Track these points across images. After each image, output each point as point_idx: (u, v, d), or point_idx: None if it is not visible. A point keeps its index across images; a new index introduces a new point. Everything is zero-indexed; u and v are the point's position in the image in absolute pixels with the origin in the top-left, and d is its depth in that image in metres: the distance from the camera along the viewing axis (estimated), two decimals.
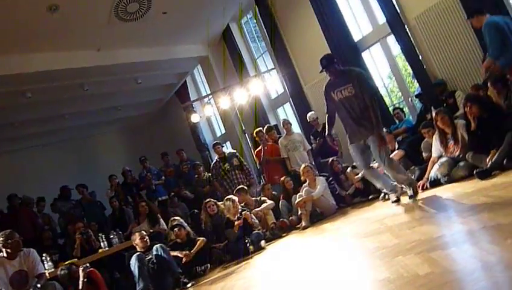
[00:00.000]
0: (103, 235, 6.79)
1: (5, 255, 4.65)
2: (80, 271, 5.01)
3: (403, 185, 4.93)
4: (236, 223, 6.17)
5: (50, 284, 4.84)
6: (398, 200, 4.93)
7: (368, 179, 5.47)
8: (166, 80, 12.45)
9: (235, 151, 8.75)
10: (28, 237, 7.13)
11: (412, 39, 6.85)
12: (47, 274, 5.25)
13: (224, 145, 10.46)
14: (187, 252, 5.95)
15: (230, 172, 8.06)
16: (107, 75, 10.26)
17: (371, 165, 5.21)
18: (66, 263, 5.31)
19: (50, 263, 5.96)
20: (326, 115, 5.15)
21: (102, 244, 6.68)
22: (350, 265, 3.17)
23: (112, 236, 6.82)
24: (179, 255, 5.88)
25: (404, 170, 5.17)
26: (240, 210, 6.40)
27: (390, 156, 5.95)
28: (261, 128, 8.35)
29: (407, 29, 6.87)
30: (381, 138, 4.71)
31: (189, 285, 5.26)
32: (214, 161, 8.54)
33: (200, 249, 6.09)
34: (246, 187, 7.35)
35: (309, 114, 8.08)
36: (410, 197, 4.78)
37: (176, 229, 6.33)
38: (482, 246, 2.27)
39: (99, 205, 9.41)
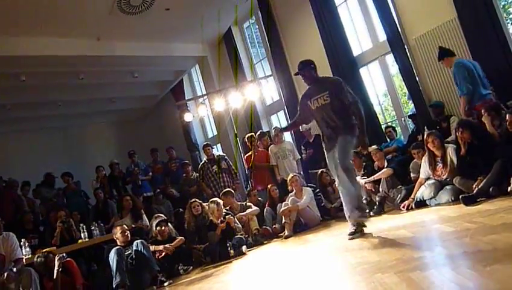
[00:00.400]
0: (84, 226, 6.75)
1: None
2: (56, 260, 4.97)
3: (346, 210, 4.45)
4: (219, 226, 6.16)
5: (26, 270, 4.82)
6: (354, 233, 4.34)
7: (339, 183, 4.56)
8: (163, 77, 12.42)
9: (224, 154, 8.76)
10: (10, 220, 7.07)
11: (410, 59, 6.88)
12: (24, 260, 5.21)
13: (214, 147, 10.45)
14: (167, 245, 5.96)
15: (218, 174, 8.05)
16: (104, 66, 10.22)
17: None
18: (44, 251, 5.27)
19: (28, 249, 5.93)
20: (293, 120, 5.12)
21: (82, 235, 6.63)
22: (329, 278, 3.16)
23: (93, 228, 6.79)
24: (162, 249, 5.88)
25: (359, 190, 4.64)
26: (223, 213, 6.39)
27: (379, 173, 6.02)
28: (252, 133, 8.33)
29: (407, 49, 6.90)
30: (364, 143, 4.49)
31: (166, 283, 5.23)
32: (202, 161, 8.53)
33: (178, 246, 6.08)
34: (232, 191, 7.34)
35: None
36: (350, 234, 4.31)
37: (159, 226, 6.28)
38: (461, 271, 2.27)
39: (83, 195, 9.33)
